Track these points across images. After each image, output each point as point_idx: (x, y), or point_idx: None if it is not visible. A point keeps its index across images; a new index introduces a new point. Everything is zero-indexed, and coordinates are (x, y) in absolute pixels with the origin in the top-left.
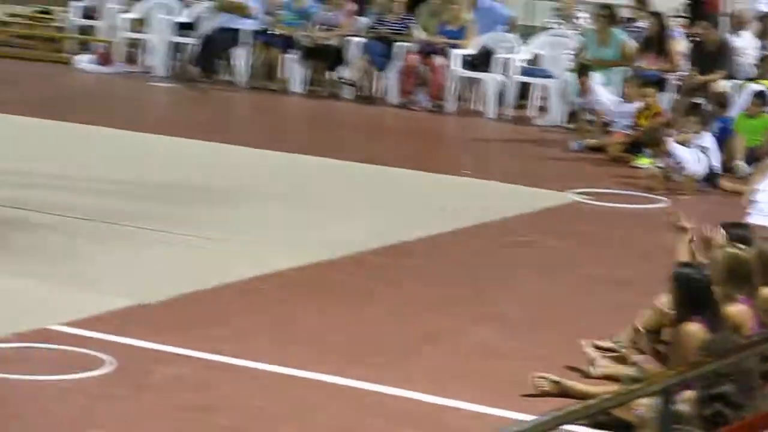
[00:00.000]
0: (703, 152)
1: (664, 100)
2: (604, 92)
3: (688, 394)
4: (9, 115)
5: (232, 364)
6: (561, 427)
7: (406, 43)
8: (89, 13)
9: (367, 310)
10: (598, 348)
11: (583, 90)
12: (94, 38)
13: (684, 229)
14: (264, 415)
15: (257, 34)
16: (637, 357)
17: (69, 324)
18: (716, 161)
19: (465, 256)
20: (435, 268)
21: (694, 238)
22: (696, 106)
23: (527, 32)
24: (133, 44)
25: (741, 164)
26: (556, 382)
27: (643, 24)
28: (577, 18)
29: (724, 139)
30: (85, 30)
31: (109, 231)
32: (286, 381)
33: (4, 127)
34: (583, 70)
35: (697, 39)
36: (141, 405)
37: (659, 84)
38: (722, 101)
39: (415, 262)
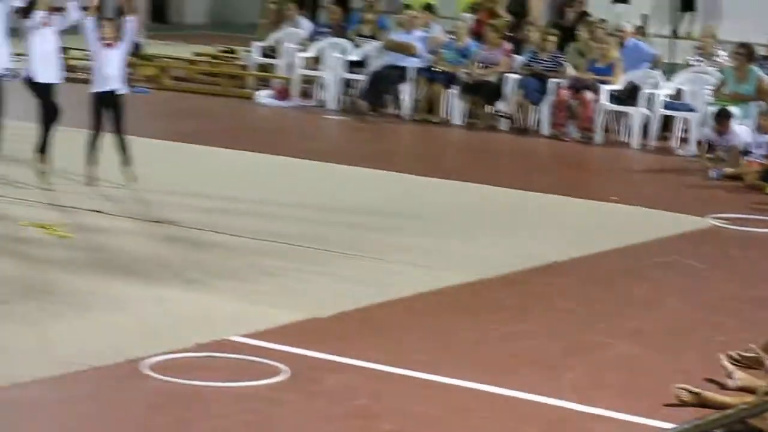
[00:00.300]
0: None
1: None
2: (741, 128)
3: None
4: (197, 145)
5: (395, 373)
6: None
7: (558, 80)
8: (269, 53)
9: (520, 325)
10: (735, 361)
11: (722, 130)
12: (274, 75)
13: None
14: (424, 421)
15: (421, 71)
16: None
17: (248, 335)
18: None
19: (610, 275)
20: (582, 287)
21: None
22: None
23: (670, 69)
24: (309, 81)
25: None
26: (696, 393)
27: None
28: (717, 56)
29: None
30: (265, 68)
31: (286, 251)
32: (445, 389)
33: (194, 156)
34: (722, 114)
35: None
36: (312, 411)
37: None
38: None
39: (565, 280)
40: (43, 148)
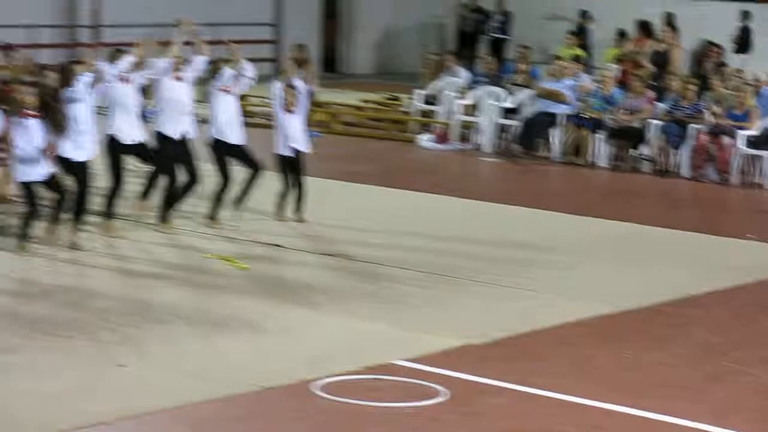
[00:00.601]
0: None
1: None
2: None
3: None
4: (364, 185)
5: (542, 395)
6: None
7: (697, 125)
8: (430, 100)
9: (658, 353)
10: None
11: None
12: (434, 120)
13: None
14: None
15: (570, 117)
16: None
17: (411, 359)
18: None
19: (745, 307)
20: (718, 318)
21: None
22: None
23: None
24: (466, 126)
25: None
26: None
27: None
28: None
29: None
30: (426, 113)
31: (445, 282)
32: (587, 410)
33: (361, 195)
34: None
35: None
36: (468, 430)
37: None
38: None
39: (701, 312)
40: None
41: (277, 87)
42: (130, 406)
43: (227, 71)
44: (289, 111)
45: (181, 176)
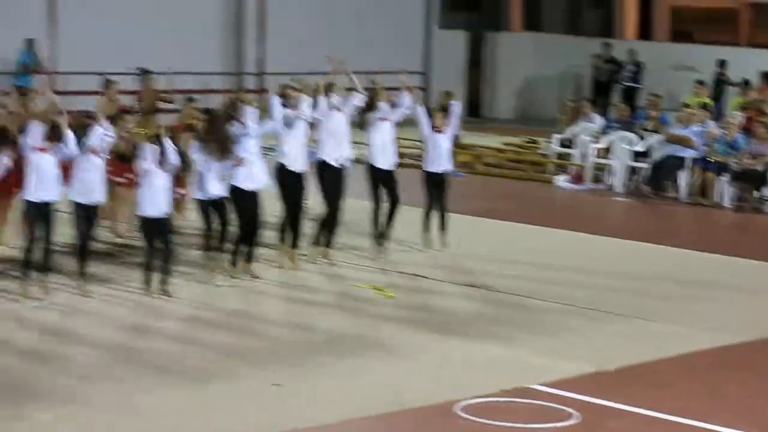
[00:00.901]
0: None
1: None
2: None
3: None
4: (504, 221)
5: (670, 420)
6: None
7: None
8: (566, 143)
9: None
10: None
11: None
12: (570, 163)
13: None
14: None
15: (696, 160)
16: None
17: (545, 384)
18: None
19: None
20: None
21: None
22: None
23: None
24: (599, 167)
25: None
26: None
27: None
28: None
29: None
30: (562, 156)
31: (577, 312)
32: None
33: (502, 230)
34: None
35: None
36: None
37: None
38: None
39: None
40: (383, 227)
41: (419, 110)
42: (283, 423)
43: (383, 104)
44: (438, 131)
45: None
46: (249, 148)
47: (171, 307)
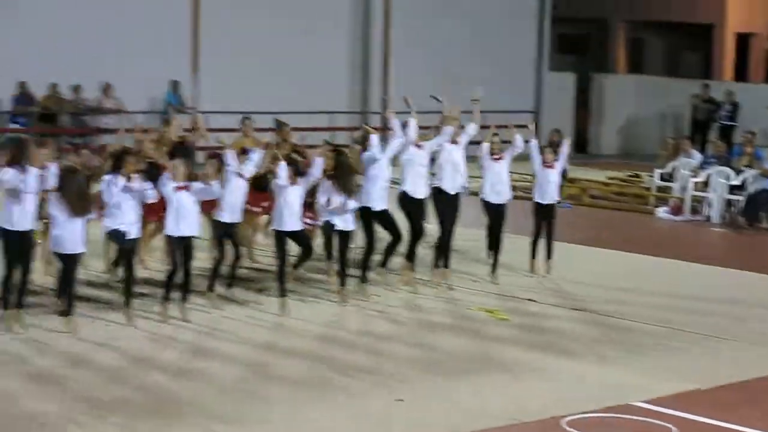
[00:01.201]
0: None
1: None
2: None
3: None
4: (608, 249)
5: None
6: None
7: None
8: (666, 177)
9: None
10: None
11: None
12: (670, 195)
13: None
14: None
15: None
16: None
17: (646, 401)
18: None
19: None
20: None
21: None
22: None
23: None
24: (697, 200)
25: None
26: None
27: None
28: None
29: None
30: (662, 189)
31: (675, 335)
32: None
33: (606, 258)
34: None
35: None
36: None
37: None
38: None
39: None
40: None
41: (533, 145)
42: None
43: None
44: (548, 166)
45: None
46: (379, 171)
47: (302, 327)
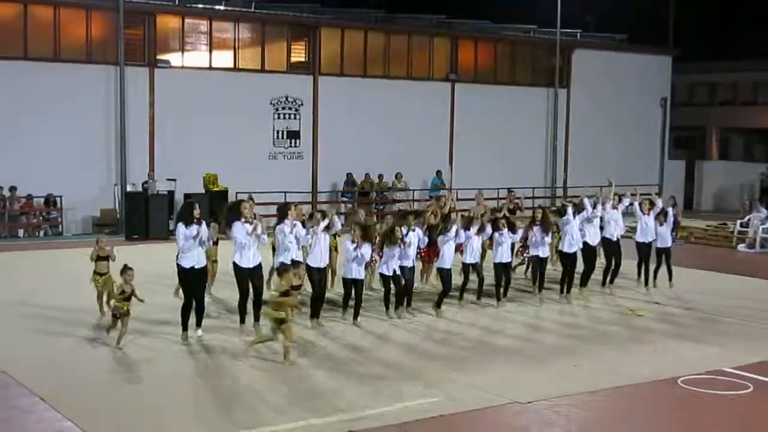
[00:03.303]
0: None
1: None
2: None
3: None
4: (706, 271)
5: None
6: None
7: None
8: (744, 225)
9: None
10: None
11: None
12: (746, 236)
13: None
14: None
15: None
16: None
17: (733, 368)
18: None
19: None
20: None
21: None
22: None
23: None
24: (765, 239)
25: None
26: None
27: None
28: None
29: None
30: (741, 232)
31: (755, 325)
32: None
33: (707, 277)
34: None
35: None
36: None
37: None
38: None
39: None
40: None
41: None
42: (570, 390)
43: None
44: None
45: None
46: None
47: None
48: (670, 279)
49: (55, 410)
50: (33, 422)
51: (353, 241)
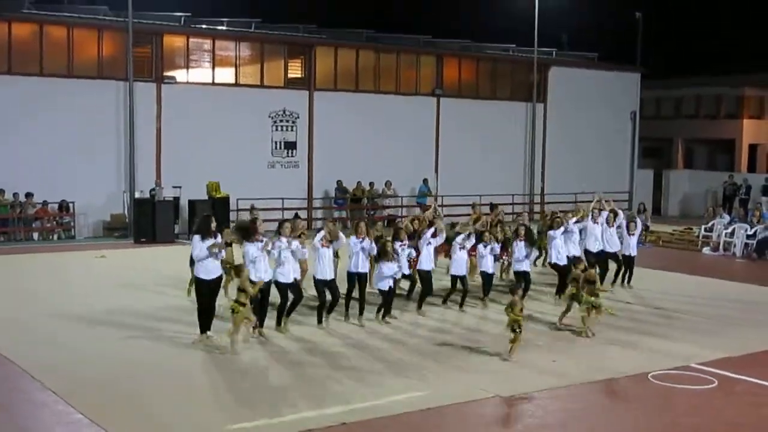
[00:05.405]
0: None
1: None
2: None
3: None
4: (672, 273)
5: None
6: None
7: None
8: (708, 230)
9: None
10: None
11: None
12: (710, 240)
13: None
14: None
15: None
16: None
17: (698, 363)
18: None
19: None
20: None
21: None
22: None
23: None
24: (727, 243)
25: None
26: None
27: None
28: None
29: None
30: (706, 236)
31: (713, 322)
32: None
33: (672, 278)
34: None
35: None
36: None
37: None
38: None
39: None
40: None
41: (621, 217)
42: (550, 384)
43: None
44: (630, 234)
45: None
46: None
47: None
48: (629, 281)
49: (68, 404)
50: (48, 414)
51: (358, 236)
